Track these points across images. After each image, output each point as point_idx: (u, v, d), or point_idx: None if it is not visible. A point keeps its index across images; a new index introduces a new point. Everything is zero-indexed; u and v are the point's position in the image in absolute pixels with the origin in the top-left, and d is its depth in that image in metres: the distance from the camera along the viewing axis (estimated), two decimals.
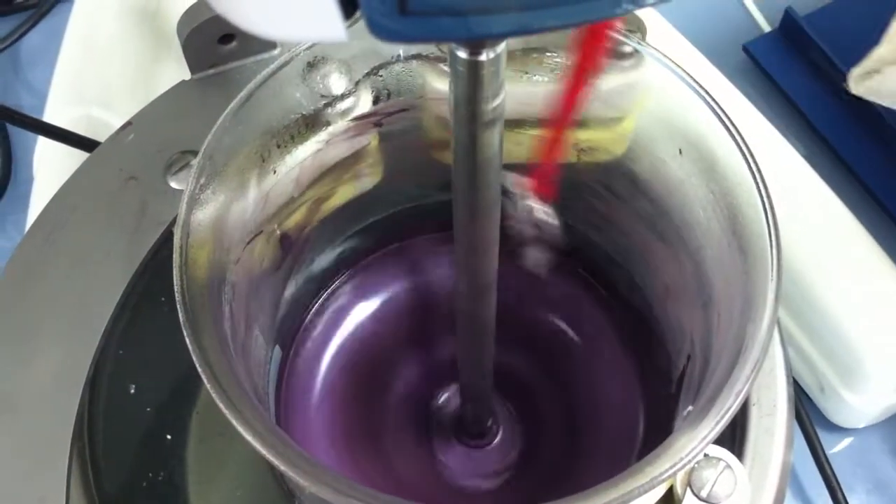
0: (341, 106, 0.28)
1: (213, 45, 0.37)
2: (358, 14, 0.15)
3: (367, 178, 0.31)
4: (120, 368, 0.32)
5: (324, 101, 0.27)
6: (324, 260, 0.34)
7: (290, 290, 0.32)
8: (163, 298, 0.32)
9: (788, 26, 0.51)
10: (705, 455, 0.26)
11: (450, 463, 0.33)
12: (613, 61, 0.26)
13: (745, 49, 0.53)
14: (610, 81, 0.27)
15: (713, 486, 0.26)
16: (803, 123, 0.50)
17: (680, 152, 0.26)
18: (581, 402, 0.34)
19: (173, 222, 0.33)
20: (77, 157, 0.37)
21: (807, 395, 0.43)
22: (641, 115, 0.27)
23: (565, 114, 0.21)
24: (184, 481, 0.30)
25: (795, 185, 0.42)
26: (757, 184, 0.24)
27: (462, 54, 0.19)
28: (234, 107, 0.25)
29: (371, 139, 0.30)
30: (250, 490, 0.31)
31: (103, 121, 0.43)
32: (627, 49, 0.26)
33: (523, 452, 0.33)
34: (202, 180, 0.24)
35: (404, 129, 0.30)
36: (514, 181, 0.24)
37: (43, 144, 0.44)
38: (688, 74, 0.25)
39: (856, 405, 0.40)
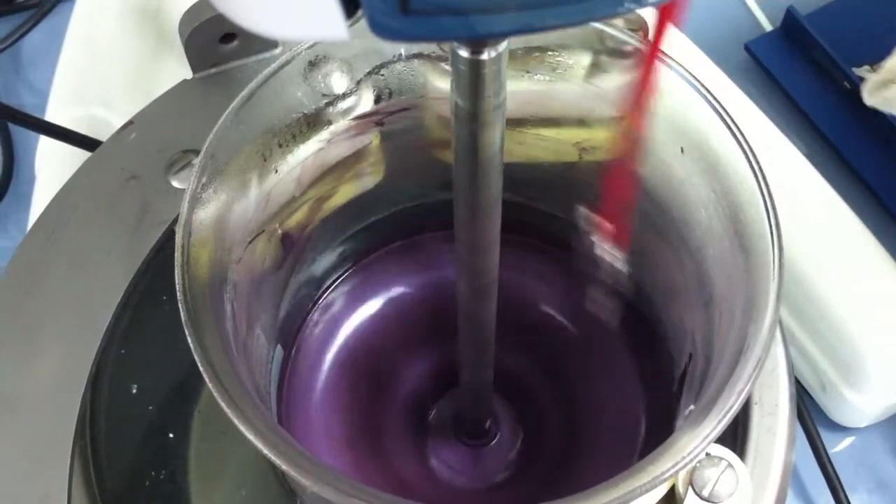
0: (343, 105, 0.28)
1: (215, 44, 0.37)
2: (359, 13, 0.15)
3: (369, 178, 0.31)
4: (122, 367, 0.32)
5: (325, 100, 0.27)
6: (325, 259, 0.34)
7: (291, 290, 0.32)
8: (164, 297, 0.32)
9: (790, 25, 0.51)
10: (707, 454, 0.26)
11: (450, 462, 0.33)
12: (615, 60, 0.26)
13: (747, 48, 0.53)
14: (611, 80, 0.27)
15: (715, 485, 0.26)
16: (805, 122, 0.50)
17: (682, 151, 0.26)
18: (582, 401, 0.34)
19: (175, 221, 0.33)
20: (79, 156, 0.37)
21: (809, 395, 0.43)
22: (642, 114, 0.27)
23: (634, 150, 0.21)
24: (185, 480, 0.30)
25: (797, 185, 0.42)
26: (758, 183, 0.24)
27: (464, 53, 0.19)
28: (236, 106, 0.25)
29: (372, 138, 0.30)
30: (252, 489, 0.31)
31: (105, 120, 0.43)
32: (629, 48, 0.26)
33: (524, 452, 0.33)
34: (204, 179, 0.24)
35: (406, 128, 0.30)
36: (587, 218, 0.24)
37: (44, 144, 0.44)
38: (689, 73, 0.25)
39: (858, 404, 0.40)
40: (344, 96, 0.27)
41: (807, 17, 0.51)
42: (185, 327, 0.22)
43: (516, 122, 0.29)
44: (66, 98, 0.45)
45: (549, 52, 0.27)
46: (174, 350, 0.23)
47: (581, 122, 0.29)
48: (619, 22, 0.29)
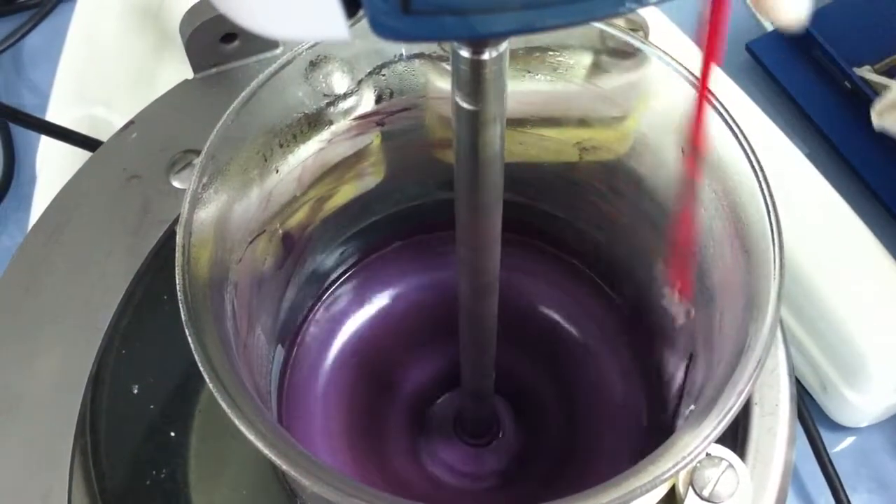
0: (344, 105, 0.28)
1: (216, 44, 0.37)
2: (360, 13, 0.15)
3: (370, 177, 0.31)
4: (122, 367, 0.32)
5: (326, 101, 0.27)
6: (326, 259, 0.34)
7: (292, 290, 0.32)
8: (165, 297, 0.32)
9: None
10: (707, 454, 0.26)
11: (451, 462, 0.33)
12: (616, 60, 0.26)
13: (748, 48, 0.53)
14: (613, 80, 0.27)
15: (715, 485, 0.26)
16: (806, 122, 0.50)
17: (682, 151, 0.26)
18: (582, 401, 0.34)
19: (176, 221, 0.33)
20: (80, 156, 0.37)
21: (809, 395, 0.43)
22: (644, 113, 0.27)
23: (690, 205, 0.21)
24: (186, 480, 0.30)
25: (798, 185, 0.42)
26: (759, 183, 0.24)
27: (465, 53, 0.19)
28: (237, 106, 0.25)
29: (373, 138, 0.30)
30: (252, 489, 0.31)
31: (106, 120, 0.43)
32: (630, 48, 0.26)
33: (524, 452, 0.33)
34: (204, 179, 0.24)
35: (406, 128, 0.30)
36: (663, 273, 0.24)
37: (45, 144, 0.44)
38: (690, 73, 0.25)
39: (858, 404, 0.40)
40: (345, 96, 0.27)
41: (808, 17, 0.51)
42: (185, 327, 0.22)
43: (517, 122, 0.29)
44: (67, 98, 0.45)
45: (550, 52, 0.27)
46: (175, 350, 0.23)
47: (582, 122, 0.29)
48: (619, 22, 0.29)
